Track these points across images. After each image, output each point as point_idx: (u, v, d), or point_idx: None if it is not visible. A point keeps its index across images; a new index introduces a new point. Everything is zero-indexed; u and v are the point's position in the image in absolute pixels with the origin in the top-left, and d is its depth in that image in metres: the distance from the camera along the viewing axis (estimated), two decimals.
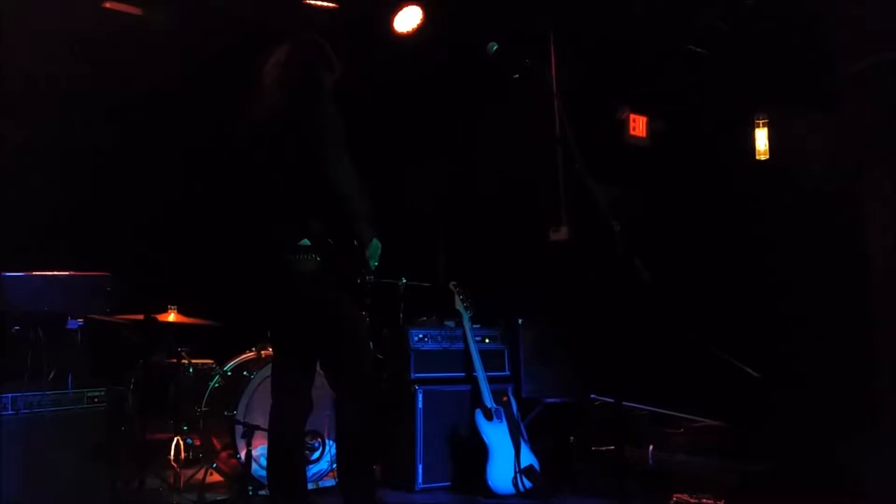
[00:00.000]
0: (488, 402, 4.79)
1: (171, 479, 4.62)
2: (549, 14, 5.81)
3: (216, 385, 4.86)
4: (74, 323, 4.47)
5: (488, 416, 4.76)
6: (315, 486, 4.60)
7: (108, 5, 5.49)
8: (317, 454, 4.55)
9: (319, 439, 4.55)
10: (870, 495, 3.76)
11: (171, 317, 4.89)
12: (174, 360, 5.01)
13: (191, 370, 5.11)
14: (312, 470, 4.56)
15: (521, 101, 5.27)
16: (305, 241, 3.43)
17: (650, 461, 4.68)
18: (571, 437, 5.07)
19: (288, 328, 3.64)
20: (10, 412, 3.80)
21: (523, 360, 5.29)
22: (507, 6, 5.48)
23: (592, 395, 5.14)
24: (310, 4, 5.56)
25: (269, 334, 4.16)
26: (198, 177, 5.87)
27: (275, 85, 3.62)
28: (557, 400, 5.31)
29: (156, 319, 4.73)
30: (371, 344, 4.37)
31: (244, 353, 4.98)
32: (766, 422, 4.56)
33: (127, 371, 5.02)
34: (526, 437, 4.87)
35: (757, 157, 5.36)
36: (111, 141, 5.70)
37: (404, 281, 5.37)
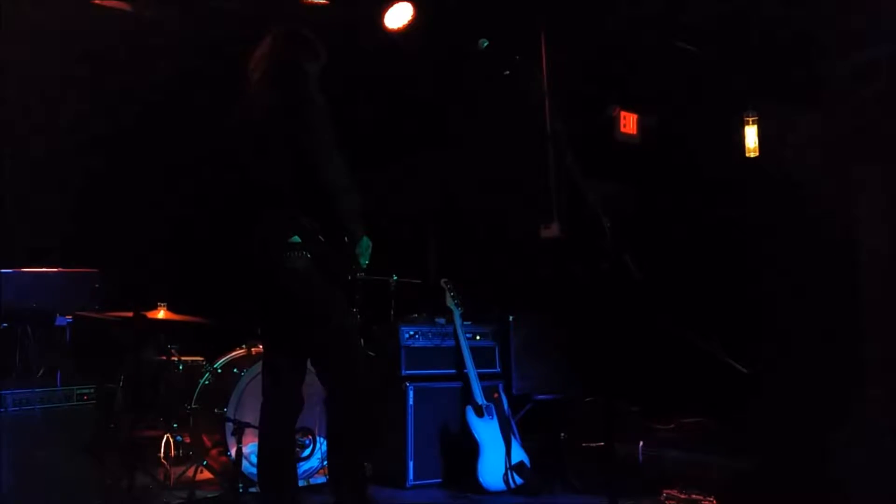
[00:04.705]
0: (479, 398, 4.80)
1: (161, 477, 4.61)
2: (539, 11, 5.81)
3: (206, 382, 4.85)
4: (63, 320, 4.46)
5: (479, 412, 4.76)
6: (306, 484, 4.59)
7: (97, 1, 5.46)
8: (307, 451, 4.55)
9: (310, 436, 4.54)
10: (856, 491, 3.78)
11: (161, 314, 4.87)
12: (164, 358, 4.99)
13: (181, 367, 5.09)
14: (303, 467, 4.55)
15: (512, 98, 5.27)
16: (296, 238, 3.43)
17: (640, 457, 4.69)
18: (562, 434, 5.08)
19: (279, 325, 3.63)
20: (0, 409, 3.78)
21: (514, 356, 5.30)
22: (498, 4, 5.48)
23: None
24: (301, 1, 5.54)
25: (259, 331, 4.15)
26: (188, 174, 5.85)
27: (262, 82, 3.61)
28: (548, 396, 5.32)
29: (145, 316, 4.71)
30: (362, 341, 4.38)
31: (234, 350, 4.96)
32: (756, 418, 4.58)
33: (116, 368, 4.99)
34: (517, 433, 4.87)
35: (746, 154, 5.38)
36: (102, 137, 5.67)
37: (395, 278, 5.37)
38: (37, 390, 3.95)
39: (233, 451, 4.37)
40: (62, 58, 5.32)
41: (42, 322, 4.37)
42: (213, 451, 4.66)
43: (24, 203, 5.27)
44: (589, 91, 5.84)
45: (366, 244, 3.63)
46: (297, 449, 4.41)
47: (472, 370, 4.86)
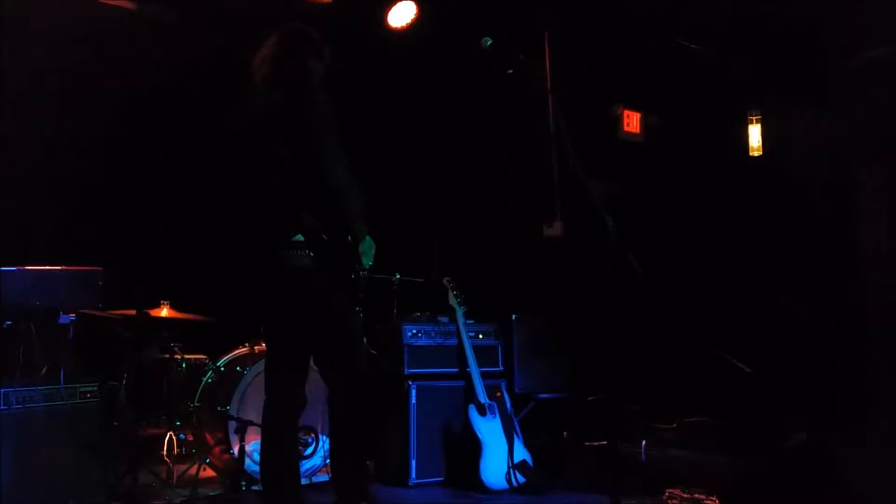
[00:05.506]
0: (482, 397, 4.80)
1: (164, 475, 4.61)
2: (543, 10, 5.80)
3: (209, 380, 4.85)
4: (67, 318, 4.47)
5: (482, 411, 4.76)
6: (308, 482, 4.59)
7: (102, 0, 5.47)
8: (310, 449, 4.55)
9: (313, 434, 4.55)
10: (859, 491, 3.78)
11: (164, 312, 4.87)
12: (167, 356, 5.00)
13: (184, 365, 5.10)
14: (306, 465, 4.55)
15: (516, 97, 5.27)
16: (299, 237, 3.43)
17: (643, 456, 4.70)
18: (565, 433, 5.09)
19: (281, 323, 3.63)
20: (3, 407, 3.79)
21: (517, 355, 5.30)
22: (501, 2, 5.48)
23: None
24: None
25: (262, 329, 4.15)
26: (192, 172, 5.86)
27: (266, 81, 3.61)
28: (551, 395, 5.32)
29: (148, 314, 4.72)
30: (364, 339, 4.39)
31: (237, 348, 4.97)
32: (758, 417, 4.58)
33: (119, 366, 5.00)
34: (519, 432, 4.87)
35: (750, 153, 5.37)
36: (105, 136, 5.68)
37: (398, 276, 5.37)
38: (40, 388, 3.96)
39: (235, 449, 4.37)
40: (64, 54, 5.32)
41: (45, 320, 4.38)
42: (216, 449, 4.66)
43: (27, 201, 5.28)
44: (592, 90, 5.83)
45: (368, 243, 3.64)
46: (300, 447, 4.41)
47: (474, 369, 4.86)
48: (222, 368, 4.87)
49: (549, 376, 5.37)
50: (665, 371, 5.21)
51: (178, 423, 4.84)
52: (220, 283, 4.75)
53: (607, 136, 5.85)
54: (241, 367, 4.71)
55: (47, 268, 4.51)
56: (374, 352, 5.11)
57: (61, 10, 5.26)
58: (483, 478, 4.61)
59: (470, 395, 4.83)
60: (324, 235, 3.47)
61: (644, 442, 4.71)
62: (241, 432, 4.29)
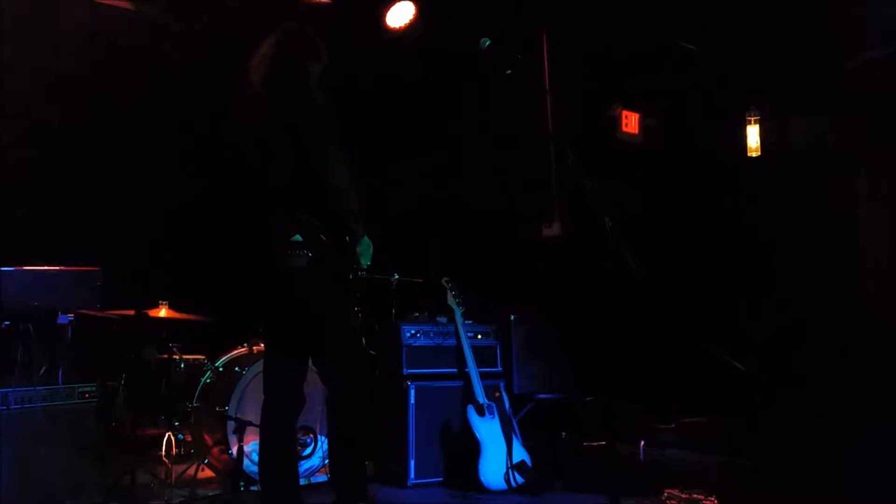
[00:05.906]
0: (480, 397, 4.80)
1: (163, 475, 4.60)
2: (541, 11, 5.80)
3: (208, 381, 4.85)
4: (65, 318, 4.47)
5: (480, 411, 4.76)
6: (307, 482, 4.59)
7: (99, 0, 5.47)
8: (309, 450, 4.55)
9: (311, 435, 4.54)
10: (857, 492, 3.78)
11: (163, 312, 4.87)
12: (165, 356, 5.00)
13: (182, 366, 5.10)
14: (304, 466, 4.55)
15: (514, 97, 5.27)
16: (297, 237, 3.43)
17: (641, 456, 4.70)
18: (563, 433, 5.09)
19: (280, 324, 3.63)
20: (2, 407, 3.79)
21: (515, 356, 5.30)
22: (500, 3, 5.48)
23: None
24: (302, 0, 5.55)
25: (261, 330, 4.15)
26: (191, 173, 5.86)
27: (264, 81, 3.62)
28: (549, 396, 5.32)
29: (147, 315, 4.71)
30: (363, 339, 4.39)
31: (236, 348, 4.97)
32: (757, 418, 4.58)
33: (118, 366, 5.00)
34: (518, 432, 4.87)
35: (748, 154, 5.37)
36: (105, 136, 5.69)
37: (397, 277, 5.37)
38: (38, 388, 3.96)
39: (234, 450, 4.37)
40: (63, 54, 5.32)
41: (44, 320, 4.38)
42: (215, 450, 4.66)
43: (26, 201, 5.28)
44: (590, 90, 5.83)
45: (366, 243, 3.63)
46: (299, 447, 4.41)
47: (473, 369, 4.86)
48: (221, 369, 4.87)
49: (547, 377, 5.37)
50: (664, 371, 5.21)
51: (176, 424, 4.84)
52: (218, 284, 4.75)
53: (605, 137, 5.84)
54: (239, 368, 4.71)
55: (46, 268, 4.51)
56: (372, 352, 5.11)
57: (61, 10, 5.27)
58: (482, 478, 4.61)
59: (469, 396, 4.83)
60: (322, 236, 3.47)
61: (642, 442, 4.70)
62: (240, 433, 4.29)
